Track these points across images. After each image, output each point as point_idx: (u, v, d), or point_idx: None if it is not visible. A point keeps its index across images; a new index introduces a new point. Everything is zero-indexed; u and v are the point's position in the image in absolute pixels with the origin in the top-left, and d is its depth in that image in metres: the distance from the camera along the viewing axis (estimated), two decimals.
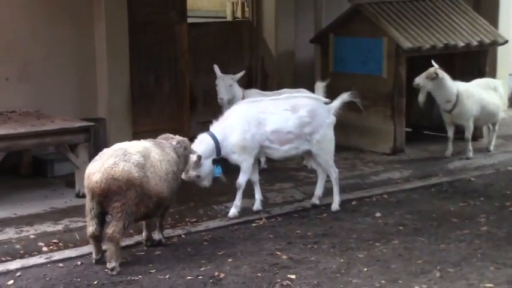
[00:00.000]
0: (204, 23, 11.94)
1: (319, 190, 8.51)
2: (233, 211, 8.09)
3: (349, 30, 10.87)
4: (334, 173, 8.38)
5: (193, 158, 7.57)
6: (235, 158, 8.02)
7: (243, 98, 9.23)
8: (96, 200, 6.54)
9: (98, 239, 6.69)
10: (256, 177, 8.27)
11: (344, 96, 8.31)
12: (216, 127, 7.99)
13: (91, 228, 6.64)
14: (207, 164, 7.84)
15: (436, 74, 9.97)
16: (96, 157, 6.73)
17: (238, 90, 9.43)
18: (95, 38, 9.77)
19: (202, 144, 7.82)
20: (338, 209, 8.34)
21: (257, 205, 8.31)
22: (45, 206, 8.20)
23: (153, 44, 10.39)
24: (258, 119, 8.02)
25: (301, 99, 8.30)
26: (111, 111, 9.61)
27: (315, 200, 8.49)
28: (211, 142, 7.87)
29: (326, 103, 8.31)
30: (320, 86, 9.43)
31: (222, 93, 9.35)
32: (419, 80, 10.07)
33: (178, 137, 7.30)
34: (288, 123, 8.07)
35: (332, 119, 8.26)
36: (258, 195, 8.32)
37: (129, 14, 9.89)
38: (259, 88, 10.66)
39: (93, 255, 6.83)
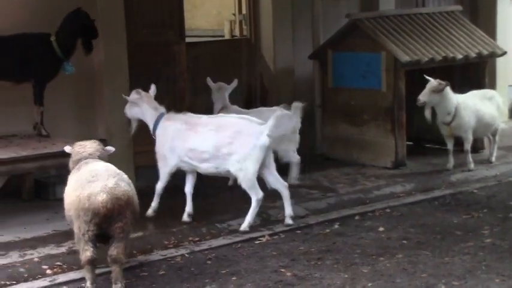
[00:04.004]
0: (202, 42, 11.98)
1: (288, 209, 8.37)
2: (149, 211, 8.47)
3: (348, 45, 10.89)
4: (256, 195, 8.13)
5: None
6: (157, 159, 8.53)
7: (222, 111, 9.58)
8: (97, 221, 6.40)
9: (95, 263, 6.52)
10: (189, 189, 8.45)
11: (277, 113, 8.21)
12: (171, 115, 8.49)
13: (89, 252, 6.42)
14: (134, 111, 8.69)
15: (445, 84, 9.91)
16: (88, 177, 6.55)
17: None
18: (93, 60, 9.79)
19: (154, 109, 8.54)
20: (247, 230, 8.11)
21: (184, 217, 8.42)
22: (47, 229, 8.19)
23: (152, 64, 10.43)
24: (184, 135, 8.28)
25: (232, 119, 8.35)
26: (112, 132, 9.61)
27: (288, 221, 8.35)
28: (155, 116, 8.51)
29: (260, 124, 8.18)
30: (297, 106, 9.42)
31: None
32: (424, 97, 9.99)
33: (92, 144, 7.14)
34: (205, 143, 8.17)
35: (263, 141, 8.04)
36: (187, 208, 8.43)
37: (127, 35, 9.93)
38: (260, 105, 10.73)
39: (88, 284, 6.52)
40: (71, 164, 7.05)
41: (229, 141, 8.08)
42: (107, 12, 9.69)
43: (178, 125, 8.38)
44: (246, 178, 8.08)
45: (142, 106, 8.59)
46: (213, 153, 8.14)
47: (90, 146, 7.07)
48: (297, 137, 9.57)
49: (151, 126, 8.58)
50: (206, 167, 8.26)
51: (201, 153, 8.20)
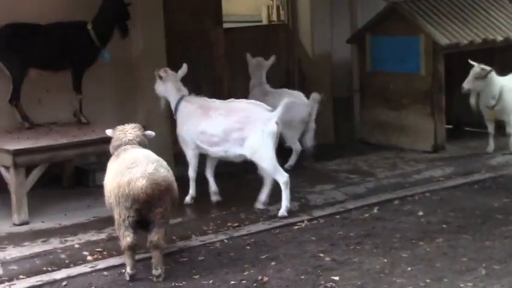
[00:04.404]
0: (239, 27, 11.97)
1: (263, 195, 8.32)
2: (187, 199, 8.52)
3: (386, 29, 10.82)
4: (282, 178, 8.11)
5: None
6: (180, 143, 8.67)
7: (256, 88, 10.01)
8: (137, 207, 6.45)
9: (136, 249, 6.59)
10: (209, 172, 8.59)
11: (285, 101, 8.16)
12: (190, 97, 8.58)
13: (129, 238, 6.48)
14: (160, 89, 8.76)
15: (486, 71, 9.81)
16: (127, 164, 6.59)
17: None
18: (132, 47, 9.84)
19: (178, 90, 8.61)
20: (285, 215, 8.12)
21: (212, 197, 8.63)
22: (88, 216, 8.28)
23: (190, 51, 10.45)
24: (197, 118, 8.37)
25: (241, 104, 8.38)
26: (151, 118, 9.65)
27: (259, 205, 8.33)
28: (177, 97, 8.59)
29: (269, 111, 8.18)
30: (316, 97, 9.48)
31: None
32: (468, 85, 9.88)
33: (133, 130, 7.15)
34: (214, 126, 8.24)
35: (271, 128, 8.04)
36: (212, 188, 8.62)
37: (165, 22, 9.96)
38: (299, 90, 10.76)
39: (128, 270, 6.63)
40: (111, 149, 7.11)
41: (239, 127, 8.13)
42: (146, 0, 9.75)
43: (193, 107, 8.48)
44: (264, 164, 8.11)
45: (166, 85, 8.67)
46: (223, 137, 8.21)
47: (130, 131, 7.10)
48: (313, 126, 9.75)
49: (173, 107, 8.69)
50: (216, 151, 8.34)
51: (211, 136, 8.28)
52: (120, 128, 7.18)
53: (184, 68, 8.71)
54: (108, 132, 7.22)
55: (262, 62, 10.10)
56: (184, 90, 8.64)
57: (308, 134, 9.75)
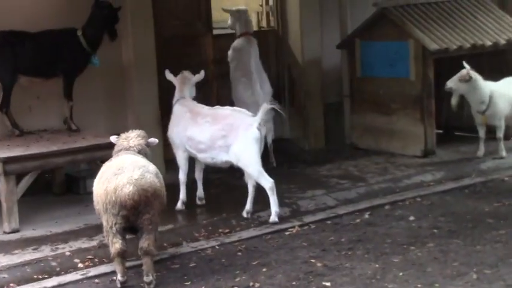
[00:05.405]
0: (229, 33, 11.97)
1: (248, 204, 8.32)
2: (178, 205, 8.56)
3: (375, 34, 10.84)
4: (267, 183, 8.10)
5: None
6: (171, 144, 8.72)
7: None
8: (124, 213, 6.41)
9: (125, 255, 6.54)
10: (198, 175, 8.73)
11: (264, 106, 8.17)
12: (183, 101, 8.60)
13: (118, 244, 6.44)
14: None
15: (470, 76, 9.88)
16: (114, 170, 6.55)
17: None
18: (122, 53, 9.84)
19: (178, 92, 8.69)
20: (276, 221, 8.12)
21: (196, 200, 8.76)
22: (79, 223, 8.26)
23: (180, 56, 10.46)
24: (186, 122, 8.44)
25: (225, 112, 8.40)
26: (141, 125, 9.63)
27: (244, 214, 8.33)
28: (175, 99, 8.68)
29: (251, 116, 8.22)
30: (265, 107, 9.52)
31: None
32: (451, 83, 9.98)
33: (136, 138, 7.11)
34: (201, 133, 8.30)
35: (253, 133, 8.06)
36: (198, 192, 8.76)
37: (155, 27, 9.97)
38: (289, 96, 10.81)
39: (119, 277, 6.59)
40: (113, 155, 7.06)
41: (223, 134, 8.17)
42: (136, 5, 9.73)
43: (183, 111, 8.54)
44: (249, 170, 8.14)
45: (176, 86, 8.76)
46: (209, 144, 8.26)
47: (134, 139, 7.06)
48: (271, 125, 10.02)
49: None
50: (203, 157, 8.41)
51: (198, 143, 8.34)
52: (124, 135, 7.15)
53: (200, 75, 8.74)
54: (112, 139, 7.19)
55: (242, 10, 10.62)
56: (184, 94, 8.65)
57: (269, 133, 9.82)
